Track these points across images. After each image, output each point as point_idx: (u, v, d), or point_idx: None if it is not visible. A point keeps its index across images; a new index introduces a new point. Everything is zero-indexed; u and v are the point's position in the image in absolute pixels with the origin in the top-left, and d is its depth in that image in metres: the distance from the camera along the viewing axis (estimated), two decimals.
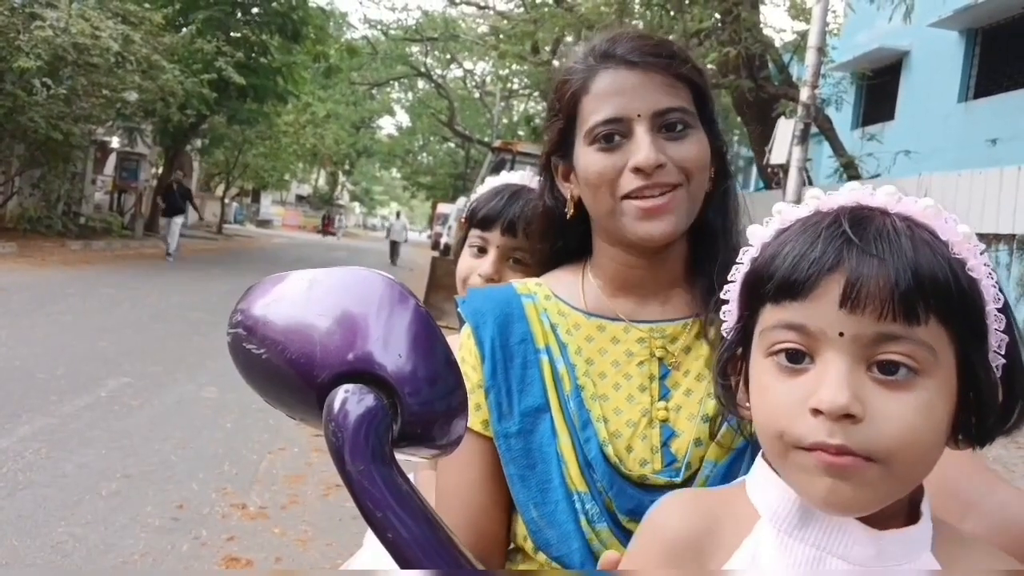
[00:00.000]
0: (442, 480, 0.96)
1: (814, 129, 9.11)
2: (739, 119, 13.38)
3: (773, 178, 10.78)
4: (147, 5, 15.78)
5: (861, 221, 0.58)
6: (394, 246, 23.39)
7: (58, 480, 3.52)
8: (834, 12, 12.90)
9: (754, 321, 0.63)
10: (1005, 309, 0.60)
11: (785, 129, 9.06)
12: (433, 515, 0.53)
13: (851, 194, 0.62)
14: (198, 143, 23.66)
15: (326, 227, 43.33)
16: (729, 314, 0.68)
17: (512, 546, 0.98)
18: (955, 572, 0.62)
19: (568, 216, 1.00)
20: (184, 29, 17.39)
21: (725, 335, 0.68)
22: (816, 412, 0.55)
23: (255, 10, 20.08)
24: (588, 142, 0.92)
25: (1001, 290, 0.60)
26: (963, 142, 12.40)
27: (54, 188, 15.31)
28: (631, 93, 0.90)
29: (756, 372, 0.62)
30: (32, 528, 3.01)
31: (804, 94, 8.13)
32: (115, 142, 20.07)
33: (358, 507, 0.52)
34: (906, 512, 0.62)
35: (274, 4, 19.72)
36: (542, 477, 0.90)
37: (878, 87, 15.25)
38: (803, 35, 11.93)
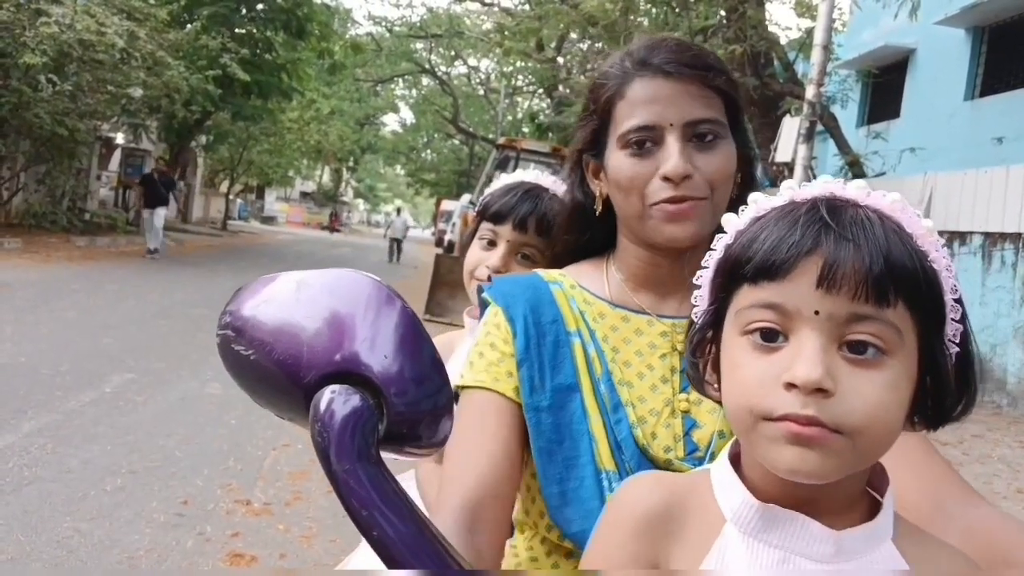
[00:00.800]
0: (458, 435, 0.91)
1: (819, 127, 9.09)
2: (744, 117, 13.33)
3: (778, 176, 10.77)
4: (152, 1, 15.78)
5: (837, 209, 0.62)
6: (395, 244, 22.34)
7: (63, 476, 3.54)
8: (840, 10, 12.86)
9: (727, 304, 0.65)
10: (960, 301, 0.64)
11: (790, 127, 9.04)
12: (419, 514, 0.54)
13: (825, 186, 0.65)
14: (203, 139, 23.69)
15: (333, 223, 43.57)
16: (700, 299, 0.70)
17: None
18: (927, 570, 0.64)
19: (597, 212, 1.03)
20: (189, 25, 17.41)
21: (696, 318, 0.71)
22: (790, 386, 0.58)
23: (260, 6, 20.09)
24: (620, 146, 0.95)
25: (957, 283, 0.64)
26: (969, 140, 12.36)
27: (59, 184, 15.35)
28: (665, 102, 0.93)
29: (729, 350, 0.64)
30: (37, 523, 3.03)
31: (810, 92, 8.12)
32: (120, 138, 20.11)
33: (344, 506, 0.52)
34: (867, 502, 0.65)
35: (279, 1, 19.74)
36: (568, 454, 0.92)
37: (884, 85, 15.20)
38: (809, 33, 11.89)
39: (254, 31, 19.76)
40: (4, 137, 13.03)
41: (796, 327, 0.59)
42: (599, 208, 1.02)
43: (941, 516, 0.81)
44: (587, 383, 0.95)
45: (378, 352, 0.54)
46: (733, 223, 0.68)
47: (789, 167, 8.68)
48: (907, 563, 0.63)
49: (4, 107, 12.32)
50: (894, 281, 0.59)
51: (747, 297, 0.63)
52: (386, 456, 0.55)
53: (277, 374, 0.55)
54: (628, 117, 0.94)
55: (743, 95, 1.00)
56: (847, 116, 14.24)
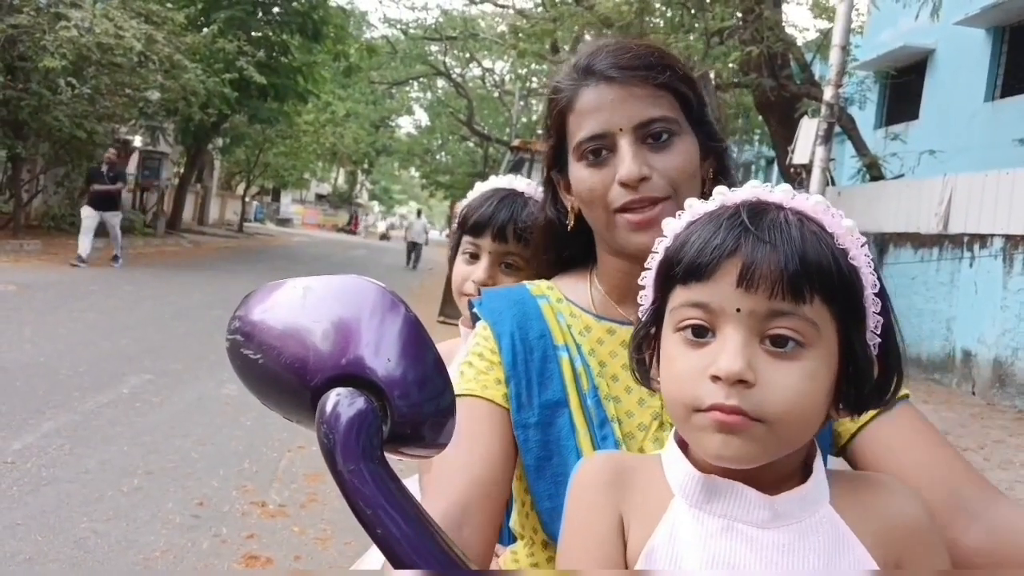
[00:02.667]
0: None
1: (837, 129, 9.01)
2: (761, 118, 13.25)
3: (795, 178, 10.70)
4: (169, 5, 15.92)
5: (758, 213, 0.67)
6: (413, 248, 20.70)
7: (81, 476, 3.56)
8: (857, 10, 12.76)
9: (666, 302, 0.70)
10: (882, 294, 0.68)
11: (808, 129, 8.99)
12: (423, 513, 0.55)
13: (752, 191, 0.70)
14: (219, 142, 23.86)
15: (353, 226, 44.17)
16: (645, 297, 0.75)
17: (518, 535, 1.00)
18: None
19: (569, 228, 1.03)
20: (206, 29, 17.53)
21: (641, 316, 0.75)
22: (715, 378, 0.63)
23: (276, 10, 20.23)
24: (577, 158, 0.96)
25: (879, 278, 0.68)
26: (989, 142, 12.22)
27: (78, 186, 15.49)
28: (611, 108, 0.93)
29: (666, 345, 0.70)
30: (55, 524, 3.04)
31: (828, 93, 8.06)
32: (137, 141, 20.28)
33: (349, 505, 0.53)
34: (800, 474, 0.70)
35: (295, 4, 19.85)
36: (557, 469, 0.91)
37: (902, 86, 15.06)
38: (826, 33, 11.81)
39: (270, 34, 19.87)
40: (24, 140, 13.17)
41: (721, 324, 0.64)
42: (571, 223, 1.02)
43: (962, 515, 0.82)
44: (575, 398, 0.94)
45: (382, 356, 0.56)
46: (671, 226, 0.73)
47: (807, 169, 8.61)
48: (845, 521, 0.68)
49: (24, 110, 12.46)
50: (809, 279, 0.63)
51: (679, 297, 0.68)
52: (390, 458, 0.56)
53: (285, 377, 0.57)
54: (579, 129, 0.95)
55: (701, 87, 0.98)
56: (865, 118, 14.13)
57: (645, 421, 0.93)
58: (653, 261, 0.74)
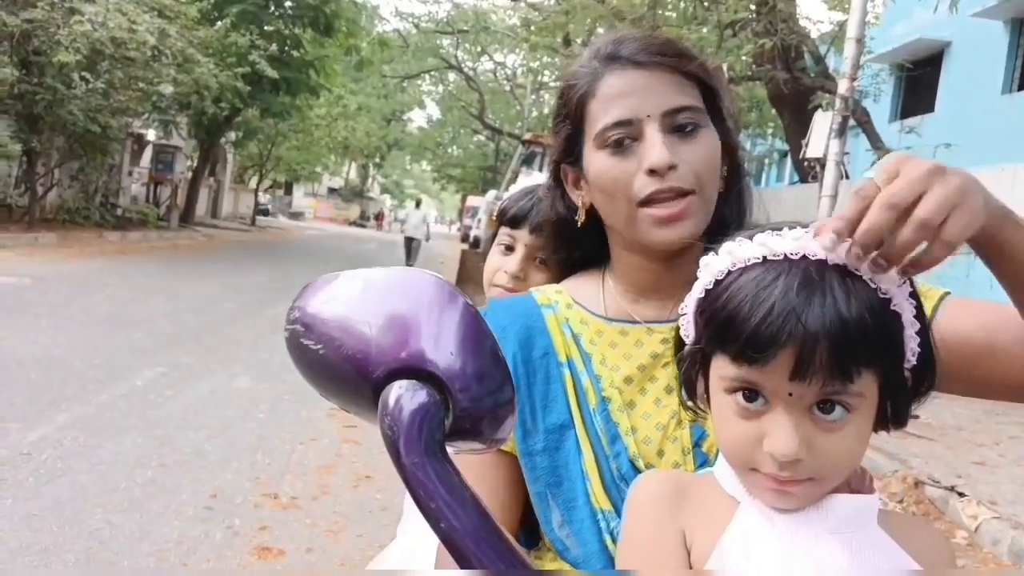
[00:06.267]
0: None
1: (852, 122, 8.93)
2: (774, 111, 13.17)
3: (809, 172, 10.62)
4: None
5: (806, 292, 0.65)
6: (409, 244, 17.52)
7: (95, 468, 3.59)
8: (873, 2, 12.65)
9: (712, 350, 0.71)
10: (920, 315, 0.70)
11: (822, 122, 8.91)
12: (483, 507, 0.55)
13: (795, 243, 0.68)
14: (232, 136, 23.96)
15: (379, 221, 45.69)
16: (687, 325, 0.76)
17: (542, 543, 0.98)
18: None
19: (580, 224, 0.98)
20: (218, 23, 17.58)
21: (685, 339, 0.76)
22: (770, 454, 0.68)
23: (288, 3, 20.27)
24: (598, 146, 0.90)
25: (917, 298, 0.70)
26: (1007, 135, 12.09)
27: (92, 180, 15.62)
28: (639, 94, 0.88)
29: (717, 402, 0.72)
30: (71, 515, 3.07)
31: (842, 86, 7.98)
32: (151, 135, 20.41)
33: (412, 498, 0.54)
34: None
35: None
36: (568, 495, 0.89)
37: (918, 79, 14.92)
38: (840, 26, 11.71)
39: (282, 28, 19.93)
40: (39, 134, 13.26)
41: (772, 400, 0.68)
42: (582, 218, 0.97)
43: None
44: (579, 418, 0.91)
45: (443, 349, 0.56)
46: (712, 266, 0.72)
47: (821, 163, 8.55)
48: (892, 538, 0.72)
49: (39, 104, 12.55)
50: (856, 360, 0.66)
51: (728, 368, 0.69)
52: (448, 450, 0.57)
53: (345, 369, 0.57)
54: (603, 115, 0.89)
55: (723, 82, 0.95)
56: (880, 111, 14.01)
57: (663, 420, 0.90)
58: (692, 296, 0.74)
